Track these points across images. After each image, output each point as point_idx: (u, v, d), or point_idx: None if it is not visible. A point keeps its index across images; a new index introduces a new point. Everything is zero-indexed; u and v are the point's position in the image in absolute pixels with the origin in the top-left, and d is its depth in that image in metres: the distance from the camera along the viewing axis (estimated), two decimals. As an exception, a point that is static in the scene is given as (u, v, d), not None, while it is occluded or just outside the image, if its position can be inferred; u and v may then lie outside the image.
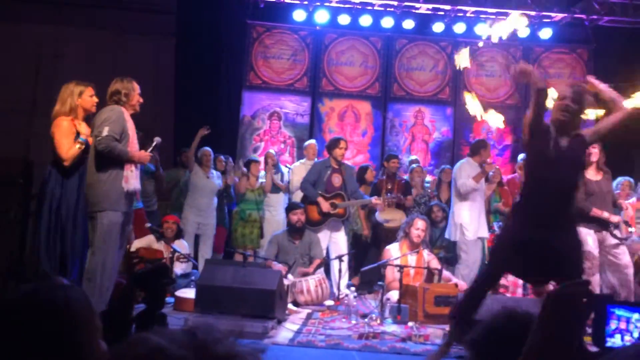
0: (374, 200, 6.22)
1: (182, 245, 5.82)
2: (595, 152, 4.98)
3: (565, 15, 8.24)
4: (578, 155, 3.45)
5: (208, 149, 6.83)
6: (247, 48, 9.04)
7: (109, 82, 4.26)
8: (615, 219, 4.98)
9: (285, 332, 4.21)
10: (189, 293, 4.84)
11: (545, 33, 8.76)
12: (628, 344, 0.67)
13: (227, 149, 8.28)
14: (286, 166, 8.01)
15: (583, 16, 8.38)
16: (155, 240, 5.66)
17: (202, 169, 6.72)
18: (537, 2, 8.36)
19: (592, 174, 5.02)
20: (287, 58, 9.13)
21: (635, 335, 0.69)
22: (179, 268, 5.67)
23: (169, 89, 8.38)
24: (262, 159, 8.17)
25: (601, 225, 4.98)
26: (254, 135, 9.05)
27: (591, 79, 3.54)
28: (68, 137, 4.22)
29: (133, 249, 5.27)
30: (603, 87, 3.48)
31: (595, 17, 8.37)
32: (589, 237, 4.78)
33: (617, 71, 8.48)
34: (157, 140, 4.54)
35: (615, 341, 0.69)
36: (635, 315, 0.69)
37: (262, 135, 9.06)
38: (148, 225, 5.74)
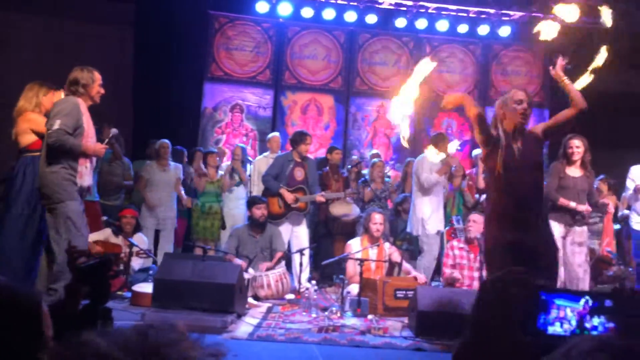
0: (318, 197, 6.23)
1: (141, 240, 5.70)
2: (578, 152, 5.05)
3: (524, 14, 8.42)
4: (536, 156, 3.57)
5: (166, 141, 6.70)
6: (209, 39, 8.91)
7: (66, 72, 4.13)
8: (582, 207, 5.07)
9: (244, 327, 4.19)
10: (147, 287, 4.75)
11: (505, 31, 8.94)
12: (565, 332, 0.71)
13: (188, 141, 8.16)
14: (248, 158, 7.95)
15: (540, 15, 8.57)
16: (113, 234, 5.53)
17: (158, 162, 6.58)
18: (496, 0, 8.52)
19: (572, 170, 5.08)
20: (249, 50, 9.05)
21: (574, 323, 0.72)
22: (136, 263, 5.56)
23: (127, 79, 8.19)
24: (225, 150, 8.13)
25: (572, 219, 5.10)
26: (215, 128, 8.94)
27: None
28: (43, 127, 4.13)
29: (89, 241, 5.13)
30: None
31: (552, 16, 8.57)
32: (554, 229, 4.89)
33: (571, 68, 8.72)
34: (113, 131, 4.42)
35: (556, 329, 0.72)
36: (574, 304, 0.73)
37: (224, 128, 8.97)
38: (104, 218, 5.60)
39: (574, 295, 0.80)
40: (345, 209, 6.72)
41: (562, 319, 0.78)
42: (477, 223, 5.48)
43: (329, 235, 6.85)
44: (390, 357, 3.59)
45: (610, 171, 6.95)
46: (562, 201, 5.02)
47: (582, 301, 0.77)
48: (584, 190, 5.08)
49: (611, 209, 6.21)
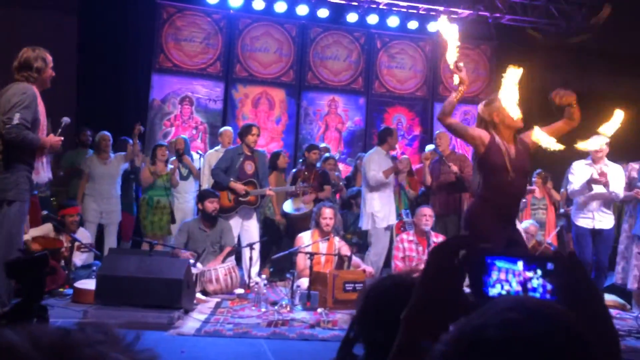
0: (267, 191, 6.21)
1: (84, 235, 5.51)
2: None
3: (471, 12, 8.61)
4: (525, 163, 3.80)
5: (106, 133, 6.49)
6: (157, 29, 8.68)
7: (3, 61, 3.88)
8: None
9: (192, 322, 4.11)
10: (89, 284, 4.60)
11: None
12: (505, 293, 0.74)
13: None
14: (197, 152, 7.80)
15: (487, 14, 8.80)
16: (53, 229, 5.32)
17: (99, 155, 6.38)
18: (445, -3, 8.67)
19: None
20: (199, 41, 8.87)
21: (514, 285, 0.74)
22: (79, 258, 5.37)
23: (71, 69, 7.87)
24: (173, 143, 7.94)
25: None
26: (164, 120, 8.73)
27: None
28: None
29: (28, 237, 4.92)
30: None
31: (497, 15, 8.82)
32: None
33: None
34: (65, 120, 4.19)
35: (496, 291, 0.74)
36: (514, 266, 0.75)
37: (173, 120, 8.77)
38: (45, 212, 5.38)
39: (515, 258, 0.81)
40: (299, 204, 6.71)
41: (503, 280, 0.79)
42: (430, 217, 5.60)
43: (287, 230, 6.85)
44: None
45: (551, 166, 7.22)
46: None
47: (521, 263, 0.79)
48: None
49: (537, 194, 6.60)
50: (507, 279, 0.83)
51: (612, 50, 8.78)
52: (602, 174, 5.33)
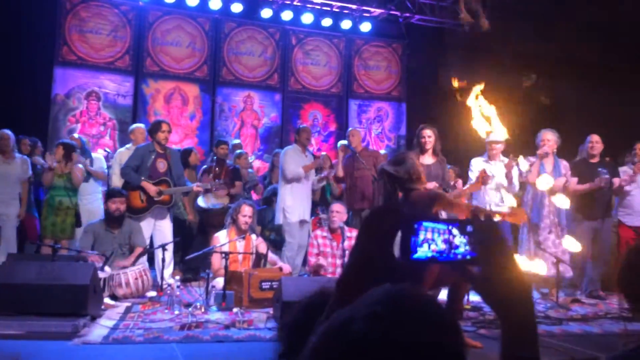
0: (195, 187, 6.08)
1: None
2: (430, 140, 5.36)
3: (383, 11, 8.81)
4: None
5: (7, 132, 6.04)
6: (59, 20, 8.19)
7: None
8: (430, 185, 5.43)
9: (99, 330, 3.92)
10: (-16, 294, 4.25)
11: (365, 27, 9.30)
12: (433, 254, 0.76)
13: (36, 130, 7.45)
14: (105, 150, 7.45)
15: (398, 13, 9.05)
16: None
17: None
18: (358, -4, 8.83)
19: (426, 158, 5.39)
20: (106, 34, 8.47)
21: (439, 243, 0.78)
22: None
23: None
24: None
25: None
26: (68, 116, 8.27)
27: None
28: None
29: None
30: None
31: (408, 15, 9.09)
32: None
33: (425, 65, 9.34)
34: None
35: (424, 250, 0.77)
36: (439, 226, 0.79)
37: (79, 116, 8.32)
38: None
39: (440, 221, 0.88)
40: (214, 200, 6.59)
41: (430, 239, 0.85)
42: (340, 213, 5.66)
43: (201, 228, 6.69)
44: (254, 350, 3.58)
45: (459, 160, 7.57)
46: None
47: (446, 225, 0.85)
48: (437, 176, 5.46)
49: (460, 186, 6.89)
50: (433, 237, 0.89)
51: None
52: (509, 164, 5.67)
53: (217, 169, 6.80)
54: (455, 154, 7.31)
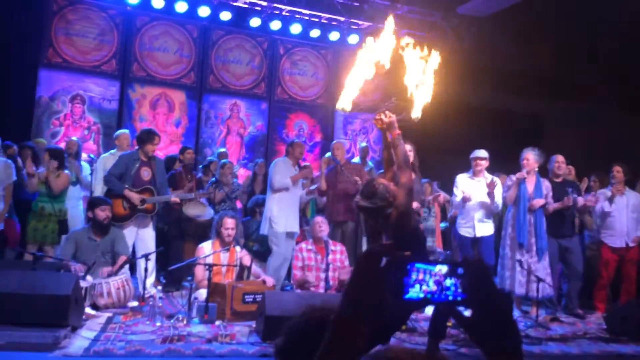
0: (173, 198, 6.05)
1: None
2: (410, 155, 5.41)
3: (371, 24, 8.88)
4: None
5: None
6: (46, 21, 8.12)
7: None
8: (415, 205, 5.49)
9: (80, 341, 3.88)
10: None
11: (353, 39, 9.36)
12: (425, 294, 0.80)
13: (19, 133, 7.36)
14: (89, 156, 7.37)
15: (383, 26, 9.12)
16: None
17: None
18: (346, 9, 8.88)
19: None
20: (93, 37, 8.41)
21: (431, 284, 0.81)
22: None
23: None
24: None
25: None
26: (52, 119, 8.19)
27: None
28: None
29: None
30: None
31: (395, 28, 9.16)
32: None
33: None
34: None
35: (415, 290, 0.81)
36: (431, 267, 0.82)
37: (63, 120, 8.25)
38: None
39: (432, 263, 0.92)
40: (198, 209, 6.57)
41: (421, 280, 0.89)
42: (324, 224, 5.68)
43: (180, 237, 6.62)
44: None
45: (440, 175, 7.66)
46: None
47: (438, 267, 0.90)
48: (418, 191, 5.52)
49: (441, 200, 7.03)
50: (425, 279, 0.92)
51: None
52: (491, 184, 5.77)
53: (189, 176, 6.78)
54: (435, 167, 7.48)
